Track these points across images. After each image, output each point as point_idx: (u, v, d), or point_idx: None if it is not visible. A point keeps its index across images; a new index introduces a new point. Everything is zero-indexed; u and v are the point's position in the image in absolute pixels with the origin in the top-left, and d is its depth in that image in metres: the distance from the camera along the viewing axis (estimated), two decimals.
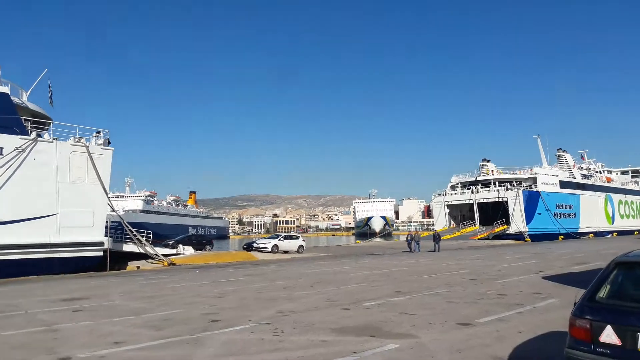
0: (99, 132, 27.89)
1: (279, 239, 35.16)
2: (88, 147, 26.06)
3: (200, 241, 38.32)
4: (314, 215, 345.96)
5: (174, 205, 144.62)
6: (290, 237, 36.95)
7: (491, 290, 12.56)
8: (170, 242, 34.21)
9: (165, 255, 28.34)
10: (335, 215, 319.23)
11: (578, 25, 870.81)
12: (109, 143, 27.92)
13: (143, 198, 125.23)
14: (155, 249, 28.77)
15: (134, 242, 28.25)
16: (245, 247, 37.34)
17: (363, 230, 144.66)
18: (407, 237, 37.38)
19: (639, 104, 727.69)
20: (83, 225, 25.33)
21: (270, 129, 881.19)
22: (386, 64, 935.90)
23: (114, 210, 30.49)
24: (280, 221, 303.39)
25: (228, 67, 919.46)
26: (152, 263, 27.70)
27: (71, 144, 25.60)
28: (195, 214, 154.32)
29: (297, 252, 34.75)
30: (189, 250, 32.09)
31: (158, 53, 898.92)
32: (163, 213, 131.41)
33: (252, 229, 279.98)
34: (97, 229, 26.00)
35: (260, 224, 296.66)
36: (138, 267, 27.37)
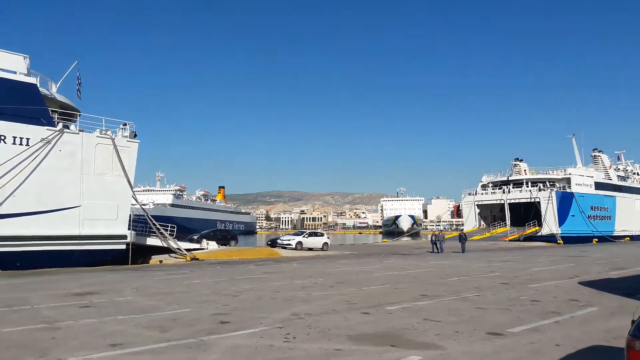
0: (125, 124, 27.81)
1: (303, 236, 34.71)
2: (114, 139, 26.00)
3: (225, 236, 38.07)
4: (342, 213, 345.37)
5: (203, 200, 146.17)
6: (315, 235, 36.48)
7: (524, 295, 11.69)
8: (195, 237, 34.11)
9: (188, 250, 28.16)
10: (363, 213, 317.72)
11: (613, 22, 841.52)
12: (135, 136, 27.83)
13: (173, 192, 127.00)
14: (179, 243, 28.60)
15: (158, 236, 28.15)
16: (269, 243, 37.03)
17: (391, 229, 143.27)
18: (431, 237, 36.33)
19: None
20: (107, 218, 25.31)
21: (300, 126, 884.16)
22: (417, 62, 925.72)
23: (138, 204, 30.48)
24: (307, 218, 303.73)
25: (256, 63, 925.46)
26: (175, 257, 27.57)
27: (97, 136, 25.59)
28: (224, 209, 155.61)
29: (322, 249, 34.25)
30: (212, 245, 31.88)
31: (188, 49, 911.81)
32: (192, 207, 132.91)
33: (279, 225, 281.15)
34: (121, 222, 25.94)
35: (288, 220, 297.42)
36: (161, 261, 27.26)
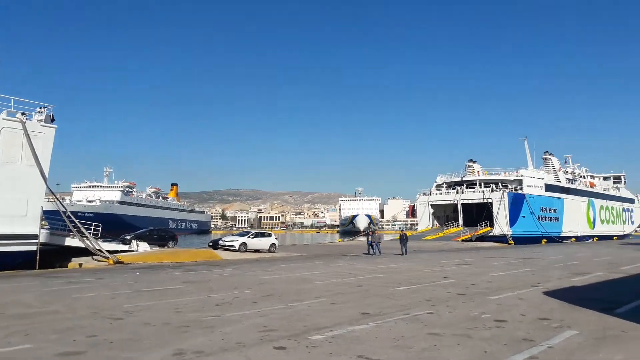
0: (43, 107, 24.42)
1: (248, 237, 32.14)
2: (24, 123, 22.63)
3: (162, 236, 35.13)
4: (300, 212, 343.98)
5: (153, 197, 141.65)
6: (262, 235, 33.97)
7: (485, 312, 9.67)
8: (128, 237, 30.98)
9: (112, 252, 25.02)
10: (322, 212, 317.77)
11: (565, 32, 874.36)
12: (53, 120, 24.47)
13: (121, 189, 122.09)
14: (101, 244, 25.37)
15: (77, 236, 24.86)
16: (210, 244, 34.25)
17: (348, 228, 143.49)
18: (367, 239, 33.83)
19: (621, 109, 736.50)
20: (13, 214, 21.92)
21: (260, 124, 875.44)
22: (374, 62, 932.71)
23: (56, 197, 27.09)
24: (264, 217, 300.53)
25: (218, 60, 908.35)
26: (97, 260, 24.47)
27: (3, 119, 22.12)
28: (176, 207, 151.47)
29: (269, 251, 31.90)
30: (143, 246, 28.74)
31: (148, 46, 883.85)
32: (142, 205, 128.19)
33: (235, 224, 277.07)
34: (31, 219, 22.57)
35: (245, 220, 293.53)
36: (80, 265, 24.17)
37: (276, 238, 34.60)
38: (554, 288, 13.60)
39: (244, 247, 30.86)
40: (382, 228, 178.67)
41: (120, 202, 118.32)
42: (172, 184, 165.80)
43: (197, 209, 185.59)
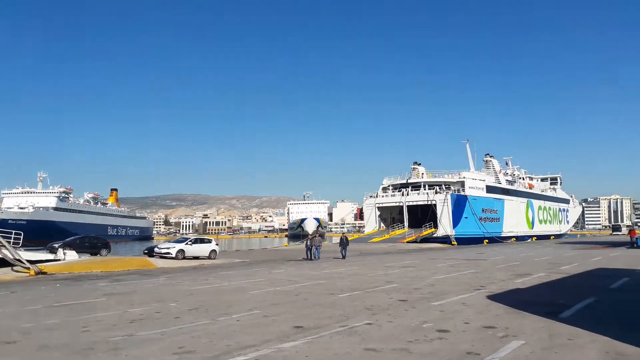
0: None
1: (186, 243, 30.70)
2: None
3: (94, 244, 33.18)
4: (248, 217, 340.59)
5: (92, 203, 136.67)
6: (201, 241, 32.60)
7: (427, 321, 9.05)
8: (56, 245, 28.84)
9: (34, 262, 22.93)
10: (270, 216, 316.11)
11: (505, 31, 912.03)
12: None
13: (57, 195, 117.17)
14: (22, 253, 23.25)
15: None
16: (146, 252, 32.46)
17: (296, 232, 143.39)
18: (305, 242, 32.97)
19: (558, 113, 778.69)
20: None
21: (204, 126, 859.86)
22: (319, 64, 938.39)
23: None
24: (210, 222, 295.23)
25: (154, 60, 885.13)
26: (17, 271, 22.33)
27: None
28: (116, 212, 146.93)
29: (209, 257, 30.53)
30: (71, 255, 26.71)
31: (78, 42, 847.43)
32: (79, 211, 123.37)
33: (179, 230, 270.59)
34: None
35: (189, 225, 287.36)
36: None
37: (217, 244, 33.30)
38: (497, 291, 13.29)
39: (181, 255, 29.44)
40: (331, 231, 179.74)
41: (56, 209, 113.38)
42: (112, 189, 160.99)
43: (138, 214, 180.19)
